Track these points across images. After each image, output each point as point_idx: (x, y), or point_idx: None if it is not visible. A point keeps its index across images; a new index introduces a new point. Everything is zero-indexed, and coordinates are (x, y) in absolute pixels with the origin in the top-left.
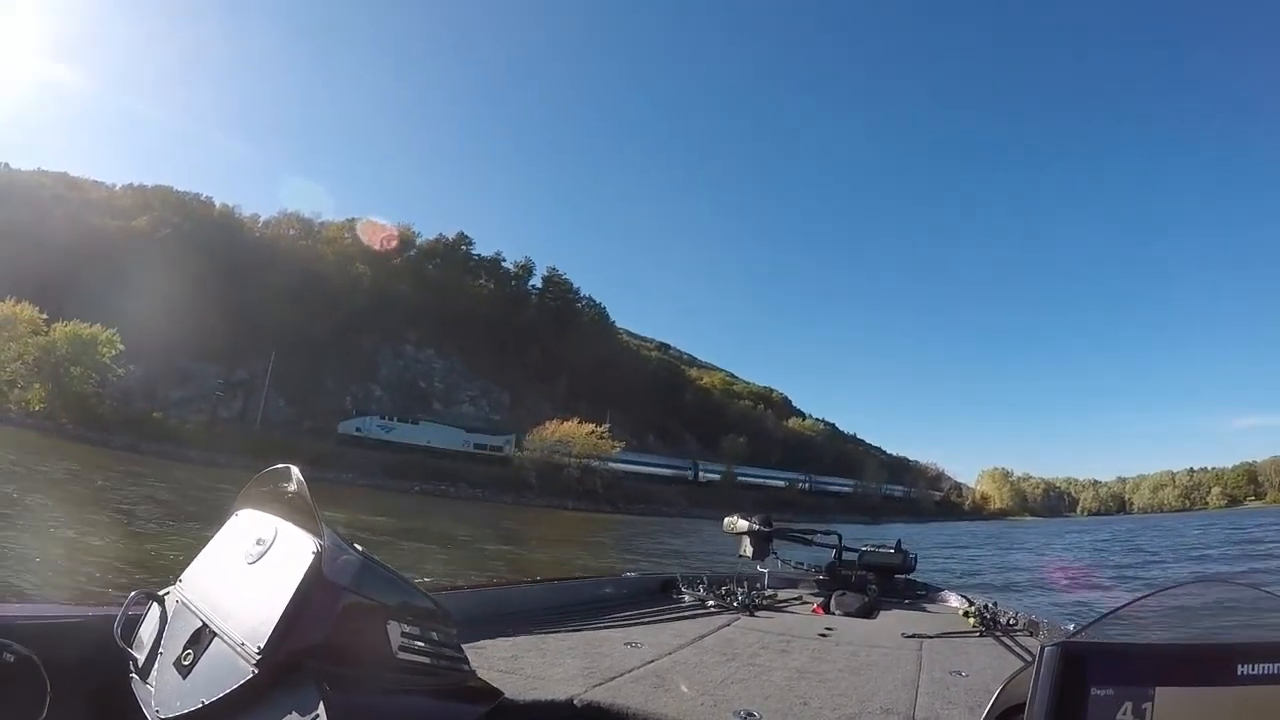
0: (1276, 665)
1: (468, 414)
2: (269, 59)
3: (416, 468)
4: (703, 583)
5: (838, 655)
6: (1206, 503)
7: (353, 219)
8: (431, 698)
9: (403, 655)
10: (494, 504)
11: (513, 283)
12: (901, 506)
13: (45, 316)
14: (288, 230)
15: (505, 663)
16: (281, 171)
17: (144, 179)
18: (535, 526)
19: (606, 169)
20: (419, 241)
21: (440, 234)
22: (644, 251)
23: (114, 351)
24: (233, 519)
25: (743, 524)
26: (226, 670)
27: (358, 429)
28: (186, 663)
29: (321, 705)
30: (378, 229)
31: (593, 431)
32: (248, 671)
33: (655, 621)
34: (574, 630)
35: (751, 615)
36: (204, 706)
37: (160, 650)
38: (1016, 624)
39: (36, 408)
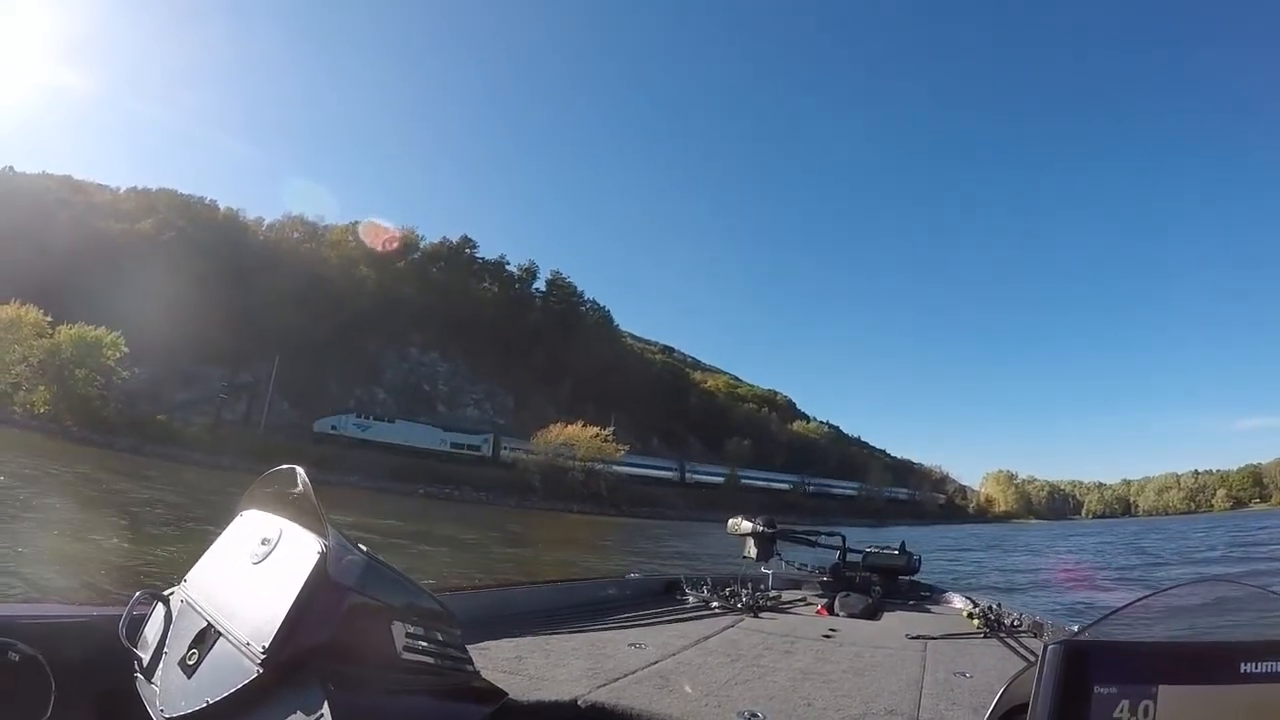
0: (1279, 663)
1: (472, 417)
2: (273, 61)
3: (421, 471)
4: (706, 584)
5: (842, 656)
6: (1212, 505)
7: (356, 222)
8: (436, 698)
9: (407, 656)
10: (498, 507)
11: (517, 286)
12: (905, 509)
13: (50, 319)
14: (292, 233)
15: (509, 663)
16: (285, 174)
17: (148, 182)
18: (539, 529)
19: (609, 171)
20: (423, 244)
21: (444, 237)
22: (648, 254)
23: (118, 354)
24: (238, 519)
25: (747, 525)
26: (231, 670)
27: (333, 427)
28: (191, 662)
29: (326, 705)
30: (380, 230)
31: (597, 435)
32: (252, 671)
33: (659, 623)
34: (578, 631)
35: (755, 616)
36: (208, 706)
37: (165, 650)
38: (1020, 625)
39: (41, 410)
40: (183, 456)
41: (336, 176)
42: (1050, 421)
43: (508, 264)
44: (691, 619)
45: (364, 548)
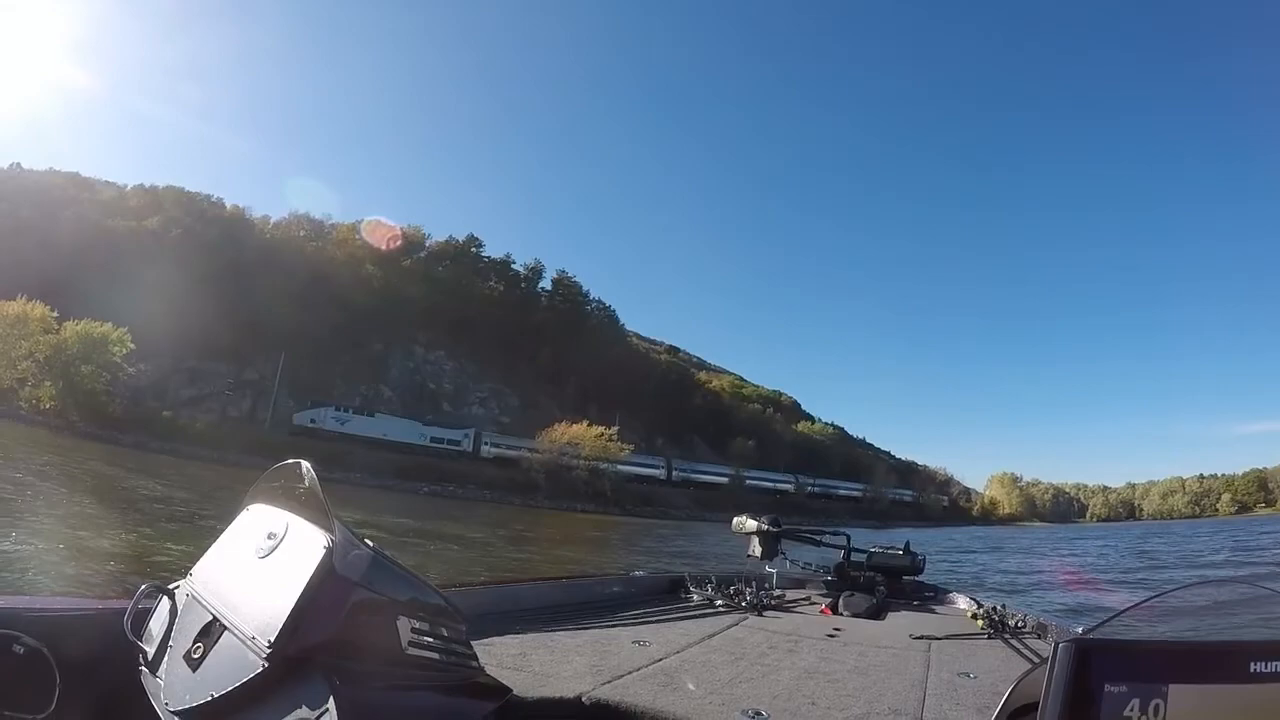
0: None
1: (477, 415)
2: (279, 58)
3: (425, 469)
4: (711, 582)
5: (846, 656)
6: (1217, 509)
7: (362, 220)
8: (440, 694)
9: (412, 651)
10: (502, 505)
11: (522, 285)
12: (909, 511)
13: (56, 315)
14: (298, 231)
15: (514, 660)
16: (291, 172)
17: (155, 179)
18: (543, 528)
19: (616, 170)
20: (429, 243)
21: (450, 235)
22: (654, 253)
23: (124, 350)
24: (244, 513)
25: (751, 524)
26: (236, 663)
27: (312, 420)
28: (196, 656)
29: (331, 700)
30: (383, 228)
31: (601, 434)
32: (258, 665)
33: (663, 620)
34: (582, 628)
35: (759, 615)
36: (213, 699)
37: (170, 643)
38: (1025, 626)
39: (47, 405)
40: (187, 452)
41: (342, 175)
42: (1055, 424)
43: (513, 263)
44: (696, 617)
45: (370, 543)
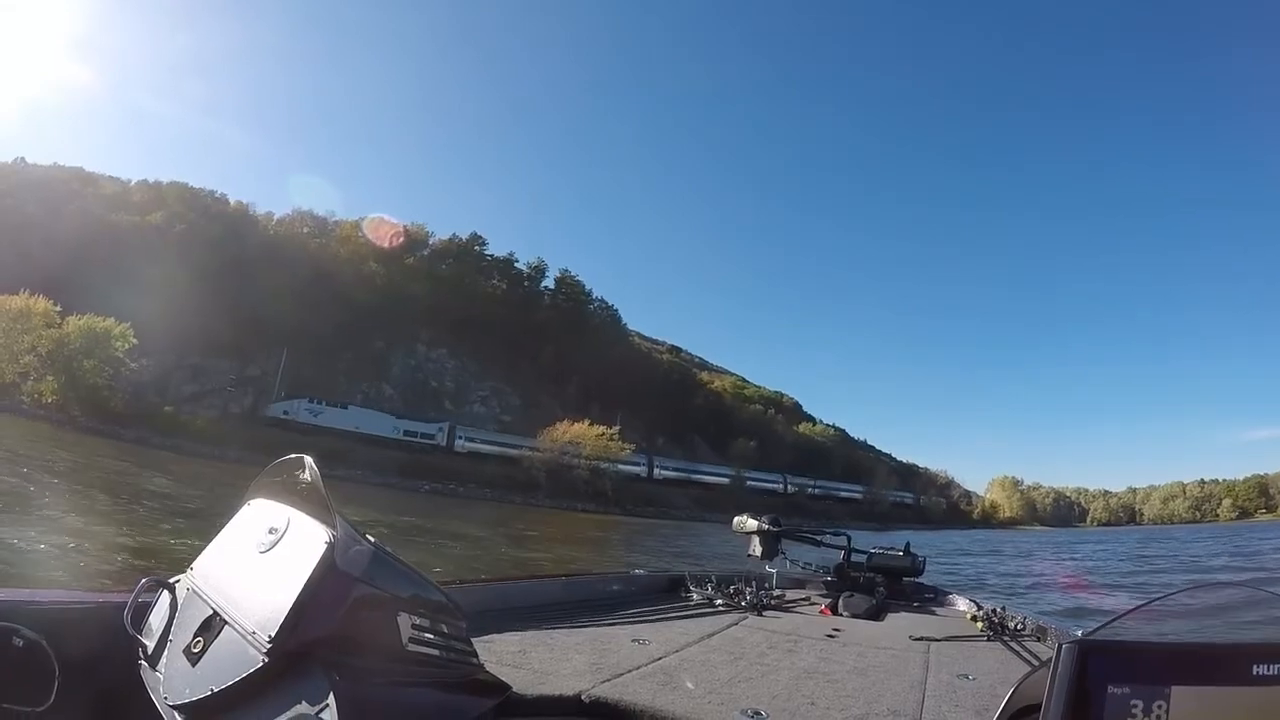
0: None
1: (478, 414)
2: (283, 55)
3: (428, 467)
4: (711, 581)
5: (845, 656)
6: (1217, 514)
7: (364, 217)
8: (440, 690)
9: (412, 647)
10: (503, 504)
11: (525, 284)
12: (910, 513)
13: (59, 310)
14: (301, 228)
15: (513, 657)
16: (294, 169)
17: (159, 175)
18: (543, 526)
19: (620, 170)
20: (432, 241)
21: (454, 234)
22: (657, 253)
23: (127, 345)
24: (245, 508)
25: (752, 523)
26: (237, 658)
27: (285, 412)
28: (196, 650)
29: (331, 695)
30: (385, 225)
31: (603, 434)
32: (258, 660)
33: (663, 619)
34: (582, 626)
35: (759, 615)
36: (213, 694)
37: (170, 638)
38: (1024, 629)
39: (49, 400)
40: (189, 448)
41: (346, 172)
42: (1057, 428)
43: (516, 262)
44: (695, 616)
45: (371, 538)
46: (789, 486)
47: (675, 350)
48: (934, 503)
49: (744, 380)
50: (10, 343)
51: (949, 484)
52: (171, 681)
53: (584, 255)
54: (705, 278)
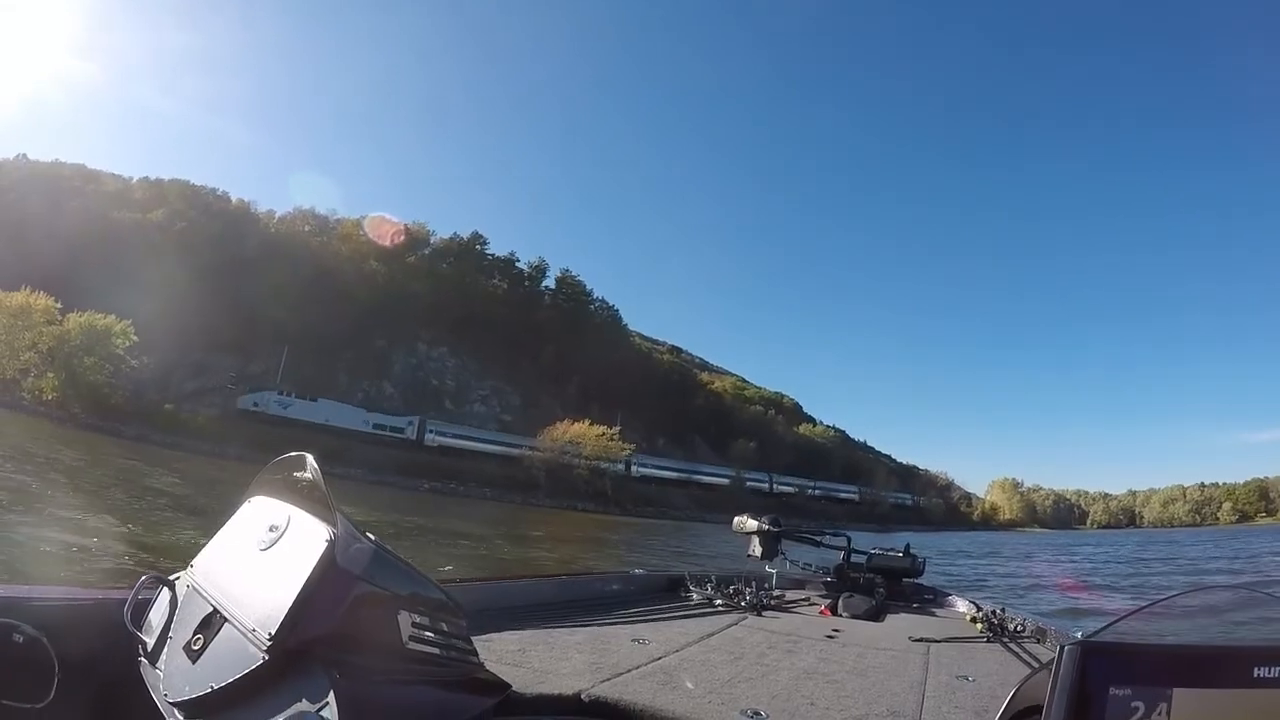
0: None
1: (479, 413)
2: (285, 53)
3: (427, 466)
4: (710, 581)
5: (845, 657)
6: (1217, 518)
7: (365, 216)
8: (440, 689)
9: (413, 645)
10: (502, 503)
11: (526, 283)
12: (910, 515)
13: (60, 306)
14: (302, 226)
15: (513, 656)
16: (296, 166)
17: (160, 172)
18: (542, 526)
19: (622, 170)
20: (433, 240)
21: (455, 233)
22: (658, 254)
23: (127, 342)
24: (246, 505)
25: (752, 524)
26: (237, 656)
27: (255, 404)
28: (196, 647)
29: (331, 693)
30: (385, 224)
31: (603, 434)
32: (258, 657)
33: (663, 619)
34: (581, 626)
35: (759, 615)
36: (213, 691)
37: (170, 635)
38: (1024, 630)
39: (49, 396)
40: (189, 445)
41: (348, 171)
42: (1057, 430)
43: (518, 261)
44: (695, 616)
45: (371, 536)
46: (775, 486)
47: (676, 350)
48: (934, 504)
49: (744, 381)
50: (11, 339)
51: (949, 485)
52: (171, 679)
53: (585, 255)
54: (706, 278)
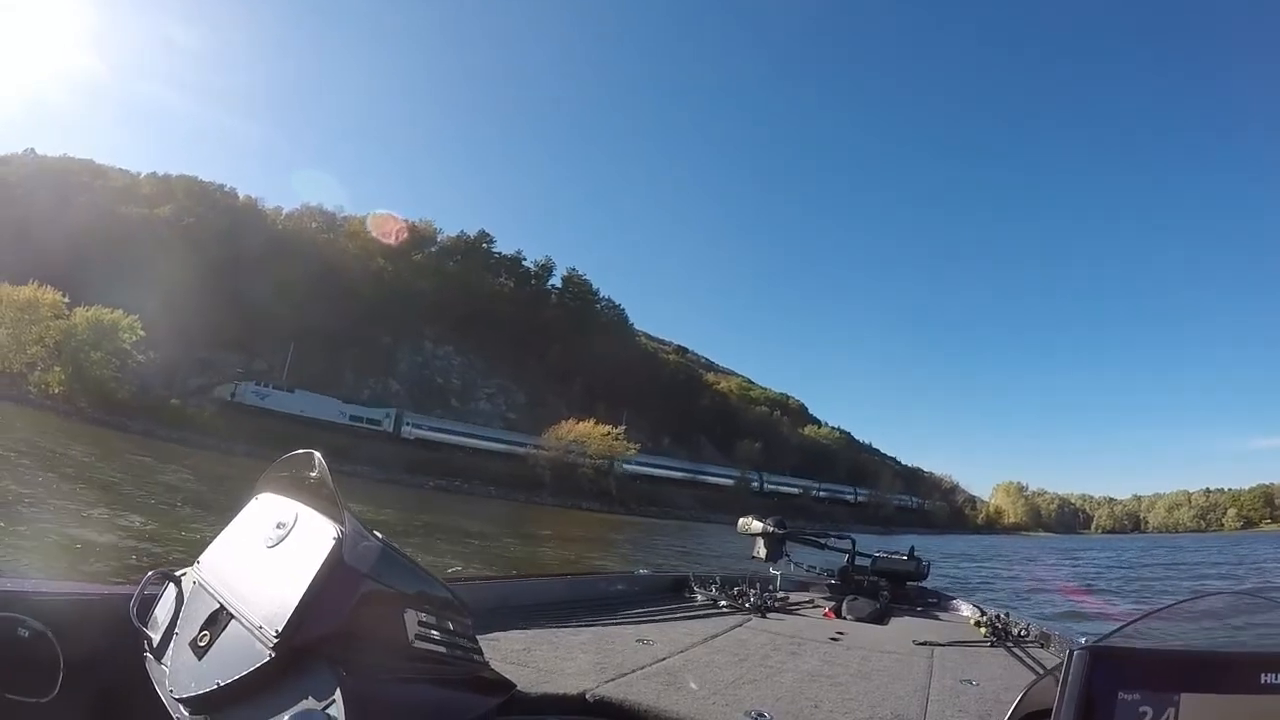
0: None
1: (484, 411)
2: (293, 49)
3: (433, 464)
4: (715, 583)
5: (849, 660)
6: (1222, 524)
7: (371, 213)
8: (446, 687)
9: (419, 644)
10: (507, 501)
11: (532, 282)
12: (914, 517)
13: (67, 301)
14: (309, 223)
15: (518, 655)
16: (304, 163)
17: (168, 168)
18: (547, 525)
19: (630, 170)
20: (440, 238)
21: (462, 231)
22: (665, 253)
23: (134, 337)
24: (253, 502)
25: (757, 525)
26: (243, 653)
27: (232, 394)
28: (202, 644)
29: (338, 691)
30: (390, 221)
31: (608, 433)
32: (264, 655)
33: (667, 620)
34: (586, 625)
35: (763, 617)
36: (219, 688)
37: (176, 631)
38: (1028, 635)
39: (56, 390)
40: (194, 441)
41: (355, 168)
42: (1062, 435)
43: (524, 260)
44: (699, 617)
45: (379, 534)
46: (765, 485)
47: (682, 350)
48: (938, 507)
49: (750, 381)
50: (18, 333)
51: (953, 489)
52: (177, 675)
53: (591, 254)
54: (711, 278)
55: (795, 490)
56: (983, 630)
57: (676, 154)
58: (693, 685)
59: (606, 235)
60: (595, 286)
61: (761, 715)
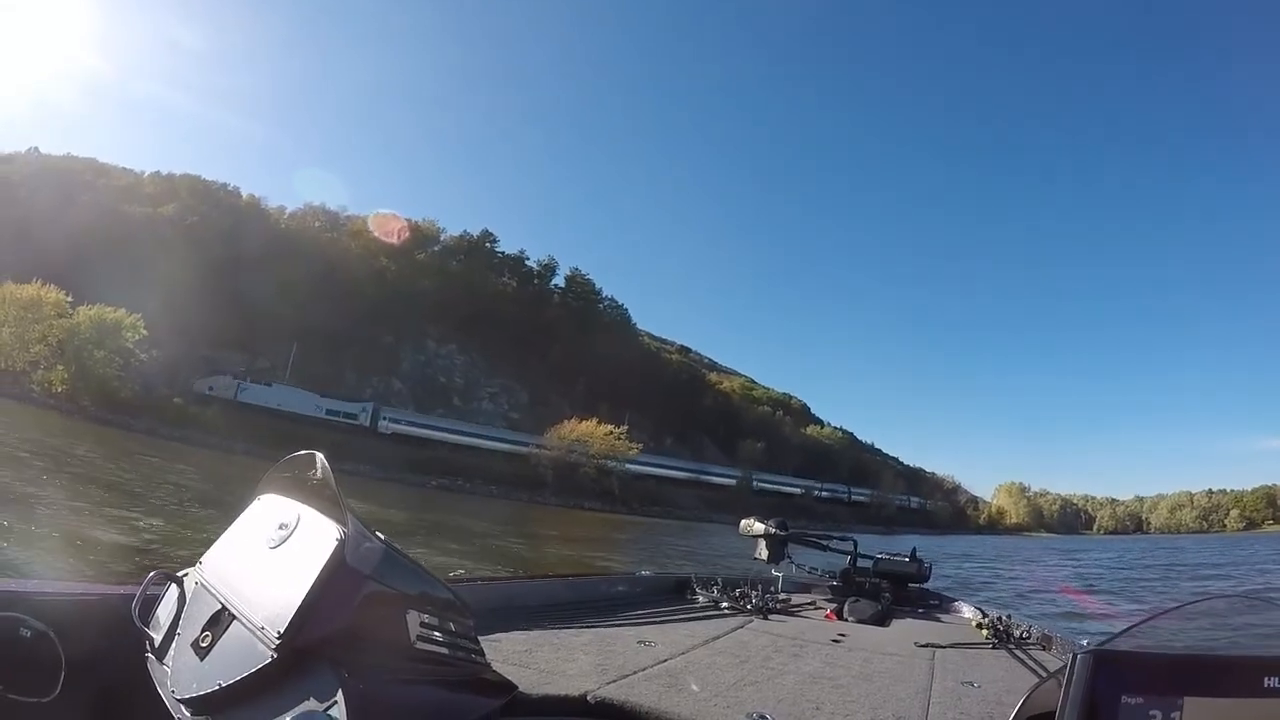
0: None
1: (486, 411)
2: (296, 49)
3: (435, 463)
4: (717, 584)
5: (850, 662)
6: (1225, 525)
7: (374, 212)
8: (447, 688)
9: (420, 645)
10: (509, 501)
11: (535, 281)
12: (916, 518)
13: (70, 299)
14: (313, 222)
15: (519, 656)
16: (307, 163)
17: (172, 167)
18: (550, 525)
19: (633, 170)
20: (443, 237)
21: (465, 230)
22: (668, 253)
23: (137, 336)
24: (255, 503)
25: (759, 527)
26: (245, 653)
27: (210, 388)
28: (204, 645)
29: (340, 692)
30: (391, 220)
31: (610, 432)
32: (266, 656)
33: (669, 621)
34: (588, 627)
35: (765, 618)
36: (221, 689)
37: (178, 631)
38: (1029, 637)
39: (59, 389)
40: (198, 439)
41: (359, 168)
42: (1065, 435)
43: (527, 259)
44: (701, 619)
45: (381, 535)
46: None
47: (684, 350)
48: (940, 507)
49: (753, 381)
50: (21, 331)
51: (955, 489)
52: (179, 675)
53: (592, 254)
54: (713, 278)
55: (797, 490)
56: (985, 632)
57: (676, 154)
58: (694, 687)
59: (607, 235)
60: (598, 286)
61: (763, 717)
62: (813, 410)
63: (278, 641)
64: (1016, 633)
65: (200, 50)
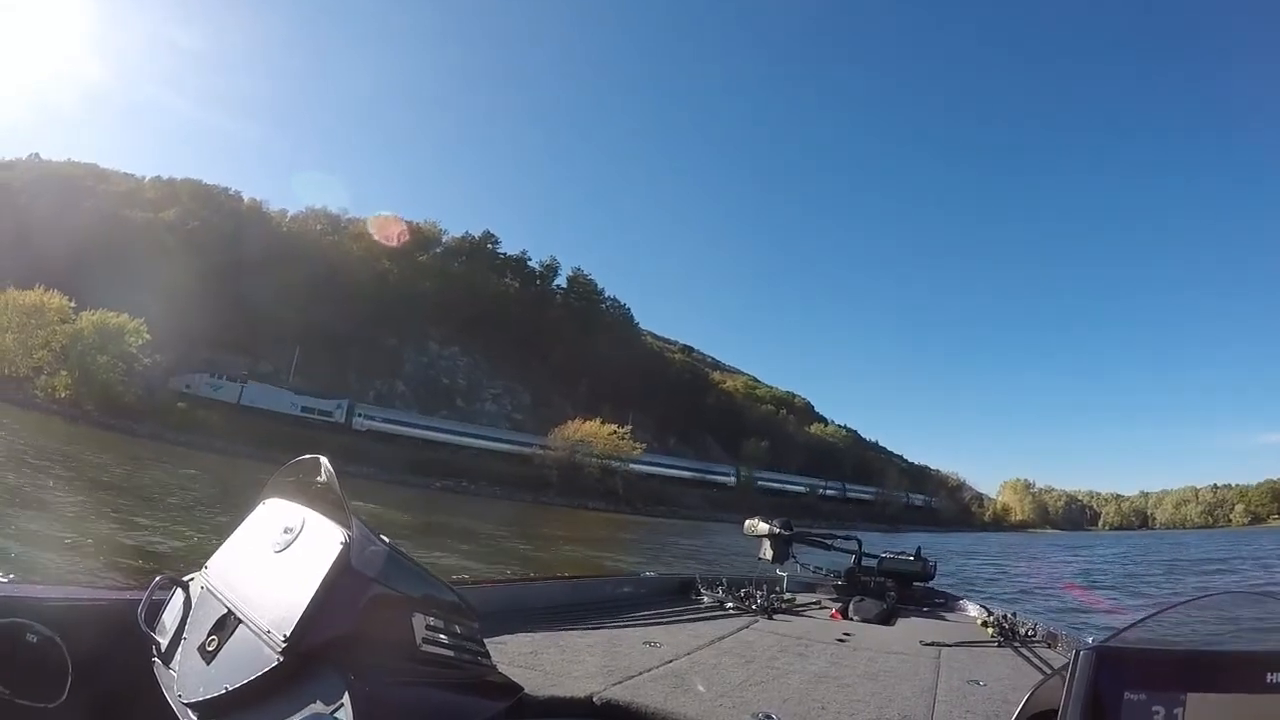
0: None
1: (489, 412)
2: (296, 52)
3: (438, 465)
4: (722, 584)
5: (856, 661)
6: (1230, 520)
7: (375, 214)
8: (454, 691)
9: (426, 648)
10: (514, 502)
11: (538, 282)
12: (921, 515)
13: (73, 305)
14: (314, 225)
15: (525, 658)
16: (307, 166)
17: (172, 172)
18: (553, 525)
19: (635, 170)
20: (445, 239)
21: (467, 231)
22: (671, 253)
23: (140, 341)
24: (260, 507)
25: (763, 527)
26: (251, 657)
27: (187, 386)
28: (210, 649)
29: (346, 695)
30: (391, 223)
31: (614, 432)
32: (273, 659)
33: (674, 622)
34: (593, 628)
35: (770, 618)
36: (227, 693)
37: (184, 636)
38: (1035, 635)
39: (62, 394)
40: (201, 443)
41: (360, 170)
42: (1069, 431)
43: (529, 260)
44: (706, 619)
45: (386, 539)
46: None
47: (687, 350)
48: (945, 505)
49: (756, 380)
50: (25, 337)
51: (960, 486)
52: (185, 679)
53: (593, 254)
54: (715, 278)
55: (802, 489)
56: (990, 630)
57: (677, 154)
58: (700, 687)
59: (608, 235)
60: (600, 286)
61: (769, 717)
62: (816, 409)
63: (284, 645)
64: (1022, 630)
65: (200, 52)
